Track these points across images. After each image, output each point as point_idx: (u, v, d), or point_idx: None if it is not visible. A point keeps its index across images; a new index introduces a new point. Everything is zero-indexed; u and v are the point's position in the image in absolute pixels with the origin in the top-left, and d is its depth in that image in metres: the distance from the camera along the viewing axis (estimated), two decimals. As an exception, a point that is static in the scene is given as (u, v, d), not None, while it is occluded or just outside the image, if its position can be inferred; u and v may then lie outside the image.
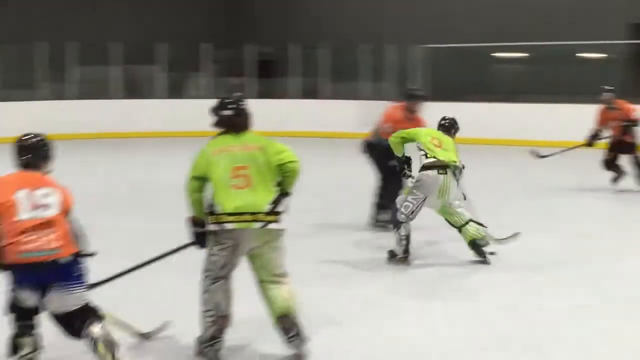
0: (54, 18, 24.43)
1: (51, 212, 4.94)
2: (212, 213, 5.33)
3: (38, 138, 5.19)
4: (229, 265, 5.33)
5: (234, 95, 5.70)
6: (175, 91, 24.01)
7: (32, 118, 15.89)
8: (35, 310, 4.96)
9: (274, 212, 5.30)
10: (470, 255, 8.13)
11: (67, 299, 4.90)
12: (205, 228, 5.38)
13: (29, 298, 4.90)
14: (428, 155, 8.03)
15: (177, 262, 5.90)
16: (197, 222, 5.43)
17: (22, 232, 4.85)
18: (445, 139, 8.24)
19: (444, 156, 8.00)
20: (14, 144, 5.14)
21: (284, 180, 5.42)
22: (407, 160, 8.45)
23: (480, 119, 21.11)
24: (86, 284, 5.02)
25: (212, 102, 5.64)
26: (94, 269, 5.21)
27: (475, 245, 8.05)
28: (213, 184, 5.33)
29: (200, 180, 5.37)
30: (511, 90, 21.94)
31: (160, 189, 12.41)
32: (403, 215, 8.00)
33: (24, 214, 4.89)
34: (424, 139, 8.13)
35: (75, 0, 25.37)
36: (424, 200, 8.01)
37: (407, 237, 8.03)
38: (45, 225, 4.90)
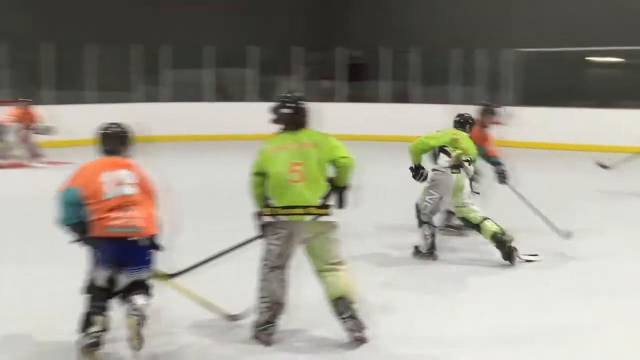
0: (149, 22, 24.89)
1: (133, 191, 5.52)
2: (267, 206, 5.74)
3: (118, 127, 5.78)
4: (284, 254, 5.72)
5: (293, 94, 6.09)
6: (266, 94, 24.20)
7: (127, 120, 16.19)
8: (109, 293, 5.42)
9: (324, 206, 5.68)
10: (489, 254, 8.42)
11: (130, 278, 5.44)
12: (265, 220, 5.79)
13: (104, 276, 5.41)
14: (449, 151, 8.42)
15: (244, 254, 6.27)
16: (262, 216, 5.82)
17: (110, 210, 5.42)
18: (461, 134, 8.64)
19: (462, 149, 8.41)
20: (97, 133, 5.72)
21: (337, 175, 5.78)
22: (421, 167, 8.58)
23: (573, 125, 20.80)
24: (151, 268, 5.51)
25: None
26: (175, 261, 5.77)
27: (499, 240, 8.21)
28: (270, 178, 5.72)
29: (261, 176, 5.79)
30: (606, 96, 21.53)
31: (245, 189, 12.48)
32: (426, 215, 8.42)
33: (110, 193, 5.46)
34: (442, 140, 8.52)
35: (169, 5, 25.78)
36: (440, 199, 8.42)
37: (433, 235, 8.43)
38: (131, 203, 5.47)
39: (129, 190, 5.50)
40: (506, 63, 22.60)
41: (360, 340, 5.69)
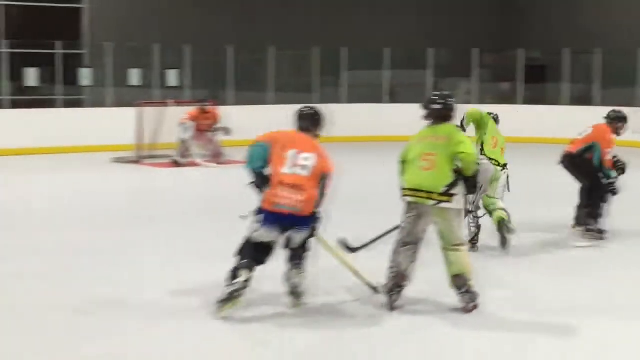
0: (328, 24, 25.20)
1: (305, 173, 6.57)
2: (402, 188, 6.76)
3: (312, 110, 6.94)
4: (413, 232, 6.69)
5: (442, 92, 7.05)
6: (396, 96, 24.13)
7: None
8: (259, 256, 6.55)
9: (447, 194, 6.51)
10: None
11: (295, 237, 6.57)
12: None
13: (267, 234, 6.54)
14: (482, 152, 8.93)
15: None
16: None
17: (282, 185, 6.53)
18: (500, 138, 9.18)
19: (494, 155, 8.97)
20: (296, 112, 6.90)
21: (462, 168, 6.61)
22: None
23: None
24: (312, 230, 6.66)
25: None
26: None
27: (502, 226, 8.82)
28: (406, 165, 6.74)
29: (404, 164, 6.82)
30: None
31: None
32: (471, 205, 8.78)
33: (287, 169, 6.57)
34: (488, 134, 9.12)
35: (348, 7, 26.04)
36: (480, 188, 8.79)
37: (478, 226, 8.91)
38: (298, 187, 6.52)
39: (302, 172, 6.57)
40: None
41: (472, 310, 6.63)
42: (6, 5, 22.82)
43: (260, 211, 6.57)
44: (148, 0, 25.29)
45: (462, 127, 8.89)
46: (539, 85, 25.07)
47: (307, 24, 25.53)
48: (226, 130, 16.95)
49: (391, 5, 27.12)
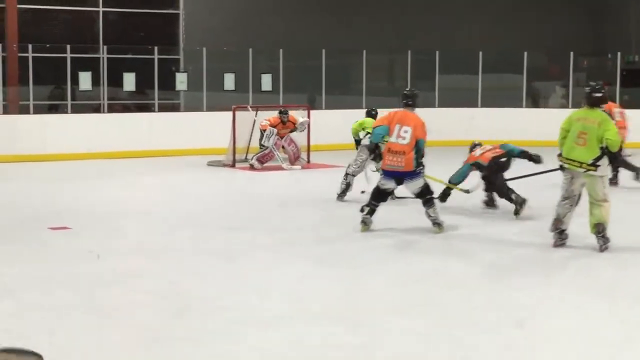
0: (421, 28, 25.33)
1: (405, 142, 9.90)
2: (560, 154, 9.41)
3: (412, 91, 10.42)
4: (568, 190, 9.31)
5: (598, 82, 9.22)
6: (538, 100, 23.96)
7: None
8: (383, 196, 10.26)
9: (593, 165, 9.01)
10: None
11: (410, 186, 10.23)
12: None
13: (388, 184, 10.19)
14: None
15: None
16: (560, 159, 9.47)
17: (388, 151, 10.00)
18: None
19: None
20: (402, 93, 10.61)
21: (608, 147, 9.00)
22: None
23: None
24: (421, 178, 10.16)
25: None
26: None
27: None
28: (567, 137, 9.22)
29: (565, 131, 9.29)
30: None
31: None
32: (352, 169, 12.97)
33: (393, 139, 10.00)
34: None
35: (441, 11, 26.12)
36: (364, 161, 12.77)
37: (347, 185, 12.75)
38: (400, 152, 9.91)
39: (402, 141, 9.86)
40: None
41: (605, 250, 9.18)
42: (104, 11, 23.61)
43: (383, 170, 10.27)
44: (242, 5, 25.88)
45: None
46: (636, 89, 24.76)
47: (400, 28, 25.74)
48: (302, 125, 17.26)
49: (484, 8, 27.15)
